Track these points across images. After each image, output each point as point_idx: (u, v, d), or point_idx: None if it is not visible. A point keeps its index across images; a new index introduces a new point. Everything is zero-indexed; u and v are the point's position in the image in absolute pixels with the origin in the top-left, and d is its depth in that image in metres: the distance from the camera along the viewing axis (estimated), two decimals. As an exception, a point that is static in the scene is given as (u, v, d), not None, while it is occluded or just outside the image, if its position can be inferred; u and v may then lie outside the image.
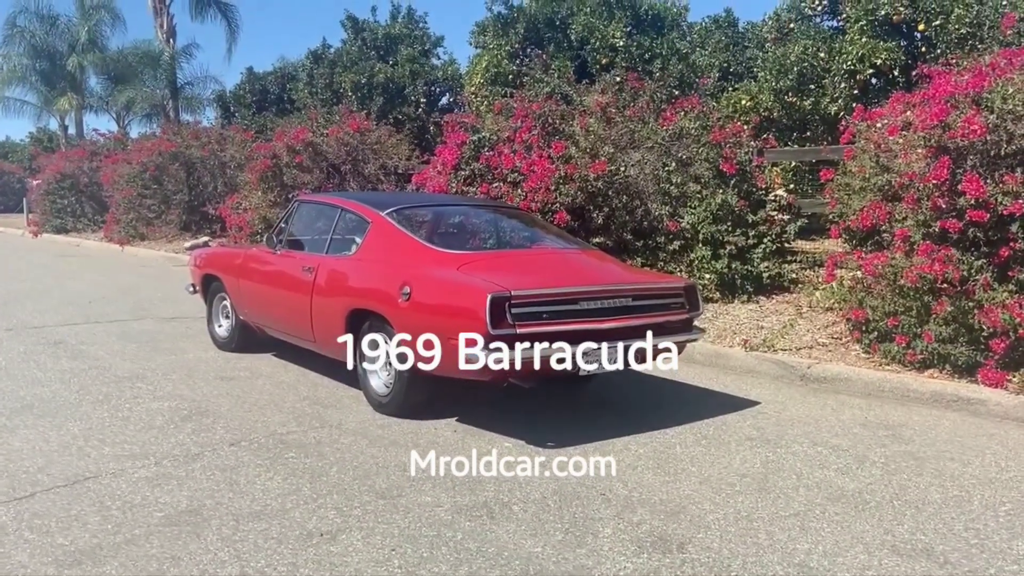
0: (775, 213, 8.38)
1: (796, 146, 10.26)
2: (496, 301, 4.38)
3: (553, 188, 8.50)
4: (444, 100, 16.81)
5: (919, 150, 6.15)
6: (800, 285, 8.31)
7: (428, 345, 4.76)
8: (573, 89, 10.10)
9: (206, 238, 16.15)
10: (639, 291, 4.98)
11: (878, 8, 9.39)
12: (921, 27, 9.44)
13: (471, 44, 14.30)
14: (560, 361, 4.59)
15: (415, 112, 15.93)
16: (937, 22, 9.22)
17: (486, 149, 9.51)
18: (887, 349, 6.03)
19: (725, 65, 13.56)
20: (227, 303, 7.13)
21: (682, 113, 8.74)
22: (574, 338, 4.61)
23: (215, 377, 6.24)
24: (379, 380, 5.31)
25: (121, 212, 17.92)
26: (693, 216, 8.35)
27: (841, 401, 5.65)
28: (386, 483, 4.08)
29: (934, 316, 5.76)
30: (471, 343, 4.43)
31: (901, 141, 6.71)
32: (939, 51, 9.09)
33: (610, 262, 5.69)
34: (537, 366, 4.52)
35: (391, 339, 5.08)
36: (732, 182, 8.38)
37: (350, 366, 5.40)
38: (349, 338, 5.25)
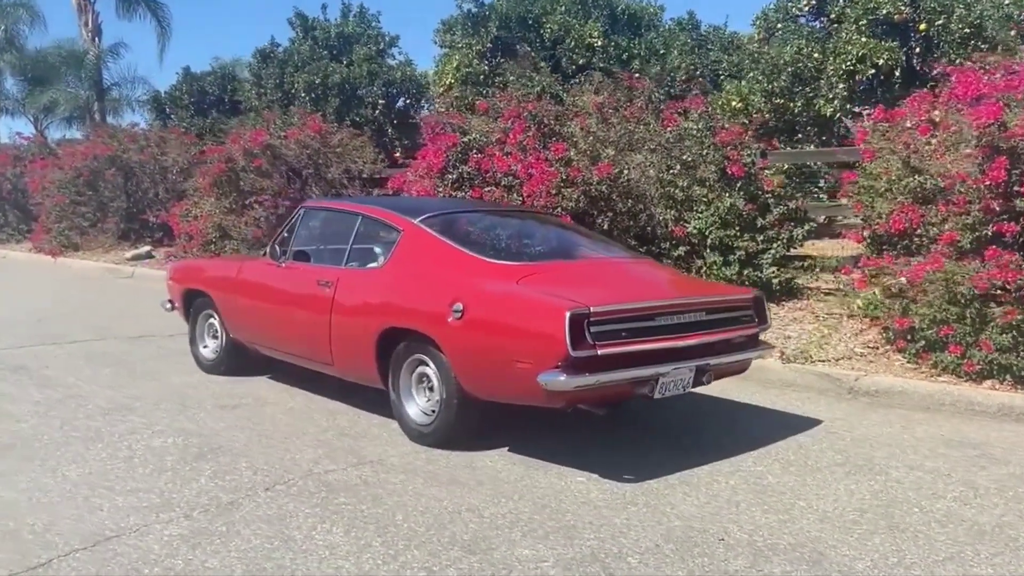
0: (783, 217, 8.05)
1: (787, 148, 10.03)
2: (575, 319, 3.90)
3: (555, 192, 8.04)
4: (401, 102, 16.16)
5: (967, 150, 5.88)
6: (810, 292, 8.02)
7: (486, 368, 4.27)
8: (564, 89, 9.64)
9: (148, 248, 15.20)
10: (713, 304, 4.55)
11: (879, 7, 9.20)
12: (922, 27, 9.30)
13: (436, 43, 13.77)
14: (641, 384, 4.14)
15: (372, 114, 15.27)
16: (940, 21, 9.08)
17: (474, 151, 9.00)
18: (939, 359, 5.74)
19: (692, 68, 13.32)
20: (215, 321, 6.46)
21: (684, 114, 8.36)
22: (653, 358, 4.16)
23: (214, 406, 5.59)
24: (417, 408, 4.77)
25: (52, 221, 16.76)
26: (700, 221, 7.99)
27: (903, 416, 5.32)
28: (467, 532, 3.55)
29: (992, 324, 5.49)
30: (546, 366, 3.93)
31: (934, 142, 6.44)
32: (940, 51, 8.94)
33: (669, 271, 5.27)
34: (617, 390, 4.07)
35: (435, 362, 4.55)
36: (738, 185, 8.04)
37: (392, 395, 4.86)
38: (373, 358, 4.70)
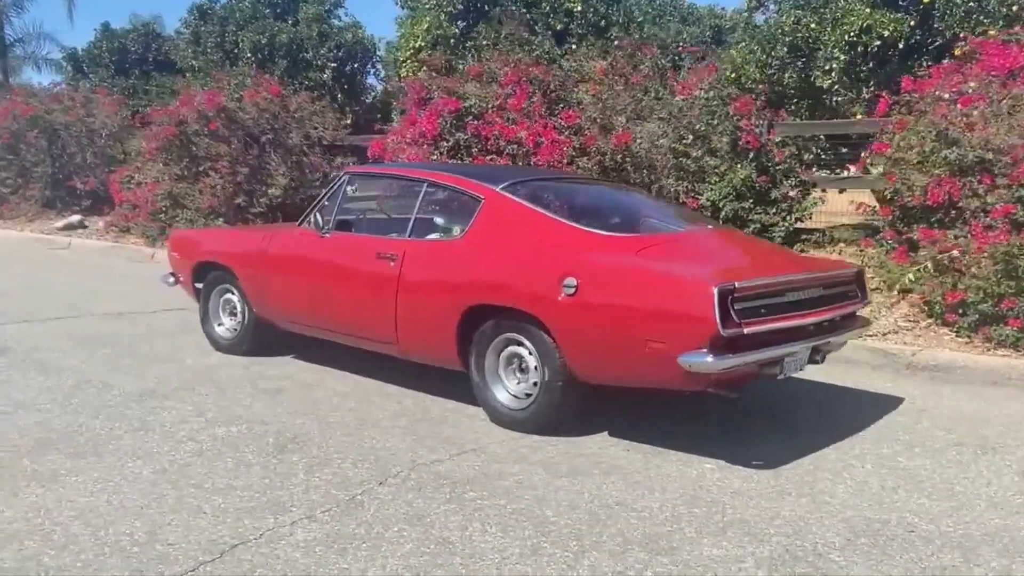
0: (795, 189, 7.97)
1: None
2: (723, 295, 3.63)
3: (568, 162, 7.74)
4: (352, 67, 15.46)
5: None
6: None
7: (605, 349, 3.97)
8: (567, 55, 9.29)
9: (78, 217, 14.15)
10: (831, 279, 4.35)
11: (884, -23, 9.18)
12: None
13: (399, 5, 13.13)
14: (772, 364, 3.92)
15: (323, 77, 14.55)
16: (944, -6, 9.11)
17: (470, 118, 8.59)
18: (998, 333, 5.72)
19: (681, 38, 13.16)
20: (233, 297, 5.93)
21: (697, 81, 8.15)
22: (784, 336, 3.95)
23: (255, 390, 5.12)
24: (506, 391, 4.44)
25: (-34, 187, 15.43)
26: (714, 192, 7.83)
27: (976, 392, 5.28)
28: (634, 530, 3.26)
29: (1054, 298, 5.50)
30: (688, 347, 3.65)
31: (975, 114, 6.42)
32: (945, 24, 8.97)
33: (767, 243, 5.04)
34: (750, 371, 3.84)
35: (534, 342, 4.22)
36: (751, 156, 7.90)
37: (475, 377, 4.51)
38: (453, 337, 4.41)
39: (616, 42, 9.44)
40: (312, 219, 5.23)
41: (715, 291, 3.60)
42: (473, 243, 4.54)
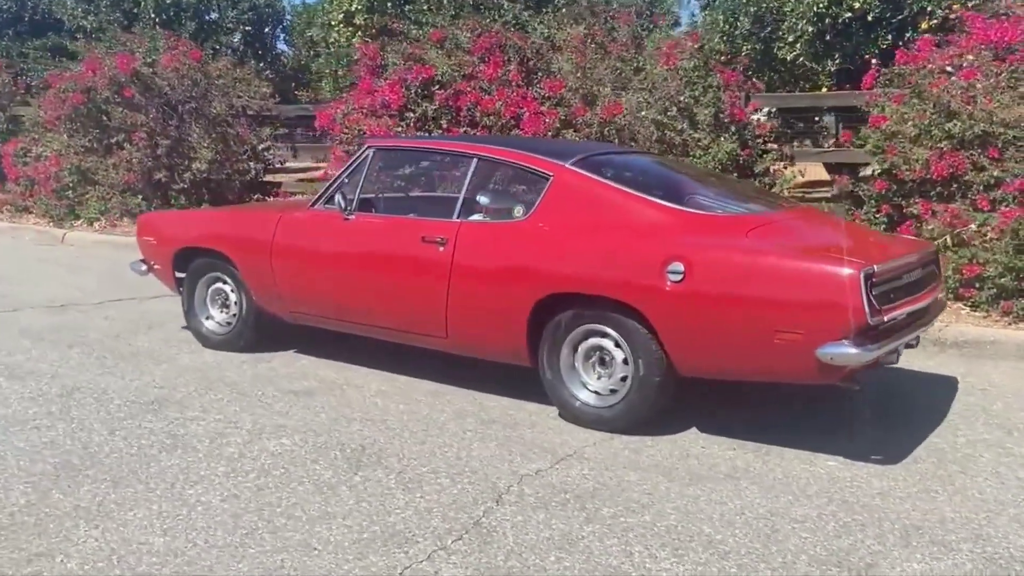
0: (777, 163, 7.84)
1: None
2: (866, 281, 3.37)
3: (553, 135, 7.35)
4: (263, 30, 14.46)
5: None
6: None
7: (720, 341, 3.66)
8: (542, 21, 8.83)
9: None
10: (927, 259, 4.16)
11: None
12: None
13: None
14: (893, 351, 3.70)
15: (233, 41, 13.53)
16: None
17: (436, 87, 8.08)
18: (1021, 307, 5.74)
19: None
20: (226, 287, 5.30)
21: (679, 52, 7.88)
22: (910, 321, 3.75)
23: (280, 392, 4.57)
24: (587, 388, 4.06)
25: None
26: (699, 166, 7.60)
27: (1019, 368, 5.25)
28: (814, 546, 2.97)
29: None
30: (828, 338, 3.38)
31: (979, 87, 6.41)
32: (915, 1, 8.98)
33: (846, 222, 4.81)
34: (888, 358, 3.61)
35: (624, 333, 3.86)
36: (733, 129, 7.72)
37: (547, 373, 4.11)
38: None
39: (591, 8, 9.05)
40: (335, 199, 4.65)
41: (862, 277, 3.33)
42: (543, 225, 4.11)
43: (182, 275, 5.47)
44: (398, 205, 4.88)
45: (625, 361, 3.92)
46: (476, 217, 4.35)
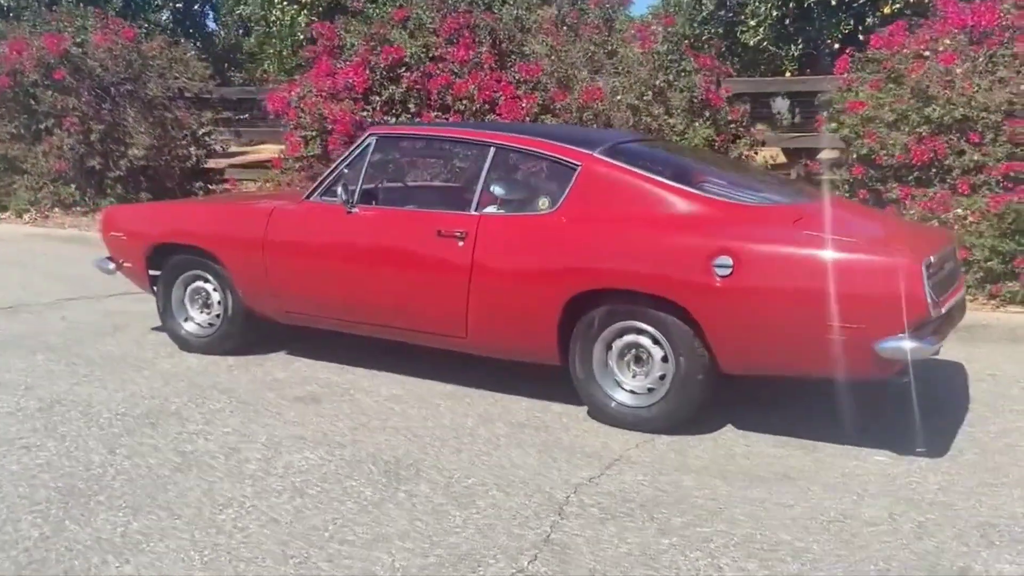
0: (750, 149, 7.79)
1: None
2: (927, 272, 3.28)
3: (531, 121, 7.14)
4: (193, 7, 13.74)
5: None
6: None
7: (771, 336, 3.54)
8: (511, 1, 8.55)
9: None
10: (955, 250, 4.11)
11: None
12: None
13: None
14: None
15: (161, 19, 12.82)
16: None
17: (403, 69, 7.78)
18: (1009, 291, 5.81)
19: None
20: (207, 286, 4.95)
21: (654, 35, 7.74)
22: (957, 310, 3.69)
23: (282, 399, 4.27)
24: (624, 389, 3.89)
25: None
26: (675, 152, 7.50)
27: (1016, 351, 5.30)
28: (909, 549, 2.86)
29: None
30: (888, 331, 3.28)
31: (959, 71, 6.45)
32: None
33: (874, 209, 4.73)
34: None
35: (664, 329, 3.70)
36: (707, 114, 7.65)
37: (579, 373, 3.93)
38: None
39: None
40: (337, 192, 4.36)
41: (924, 267, 3.24)
42: (572, 217, 3.91)
43: (156, 273, 5.08)
44: (405, 197, 4.62)
45: (664, 359, 3.76)
46: (493, 210, 4.11)
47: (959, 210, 6.04)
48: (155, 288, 5.11)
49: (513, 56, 7.62)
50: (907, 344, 3.26)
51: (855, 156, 7.07)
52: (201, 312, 5.01)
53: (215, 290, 4.91)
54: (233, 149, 11.66)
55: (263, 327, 4.96)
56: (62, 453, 3.56)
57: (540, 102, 7.14)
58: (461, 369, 4.49)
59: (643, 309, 3.74)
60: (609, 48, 7.71)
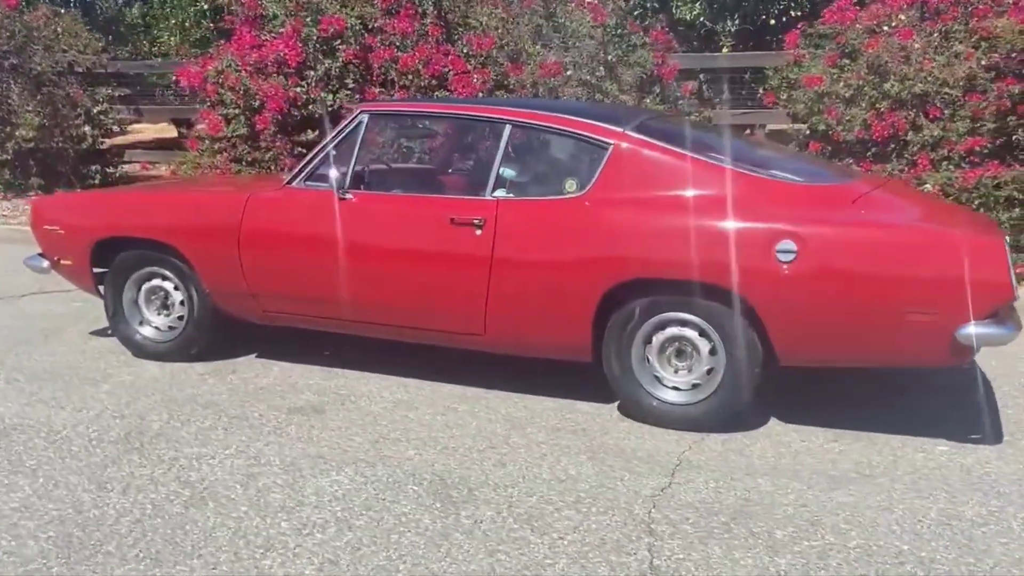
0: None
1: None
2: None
3: (486, 96, 6.75)
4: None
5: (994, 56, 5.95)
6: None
7: (841, 325, 3.31)
8: None
9: None
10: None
11: None
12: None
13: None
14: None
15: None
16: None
17: (339, 42, 7.23)
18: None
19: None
20: (166, 285, 4.38)
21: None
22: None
23: (281, 412, 3.80)
24: (665, 386, 3.61)
25: None
26: (627, 129, 7.26)
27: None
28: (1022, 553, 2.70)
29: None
30: (971, 317, 3.11)
31: (918, 46, 6.44)
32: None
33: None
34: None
35: (715, 322, 3.44)
36: (657, 90, 7.44)
37: (615, 370, 3.62)
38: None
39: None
40: (328, 176, 3.88)
41: (1007, 247, 3.08)
42: (605, 201, 3.58)
43: (101, 271, 4.47)
44: (406, 182, 4.17)
45: (712, 352, 3.49)
46: (511, 194, 3.73)
47: (928, 185, 6.03)
48: (100, 288, 4.48)
49: (459, 28, 7.18)
50: (992, 330, 3.09)
51: (808, 132, 7.02)
52: (159, 315, 4.43)
53: (176, 289, 4.34)
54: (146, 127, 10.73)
55: (230, 328, 4.42)
56: (40, 493, 3.00)
57: (494, 76, 6.73)
58: (460, 368, 4.12)
59: (691, 300, 3.45)
60: (557, 21, 7.36)
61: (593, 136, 3.67)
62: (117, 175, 9.74)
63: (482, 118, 4.00)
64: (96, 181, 9.37)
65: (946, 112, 6.25)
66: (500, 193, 3.72)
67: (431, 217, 3.77)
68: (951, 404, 3.90)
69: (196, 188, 5.04)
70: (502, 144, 3.76)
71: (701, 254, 3.38)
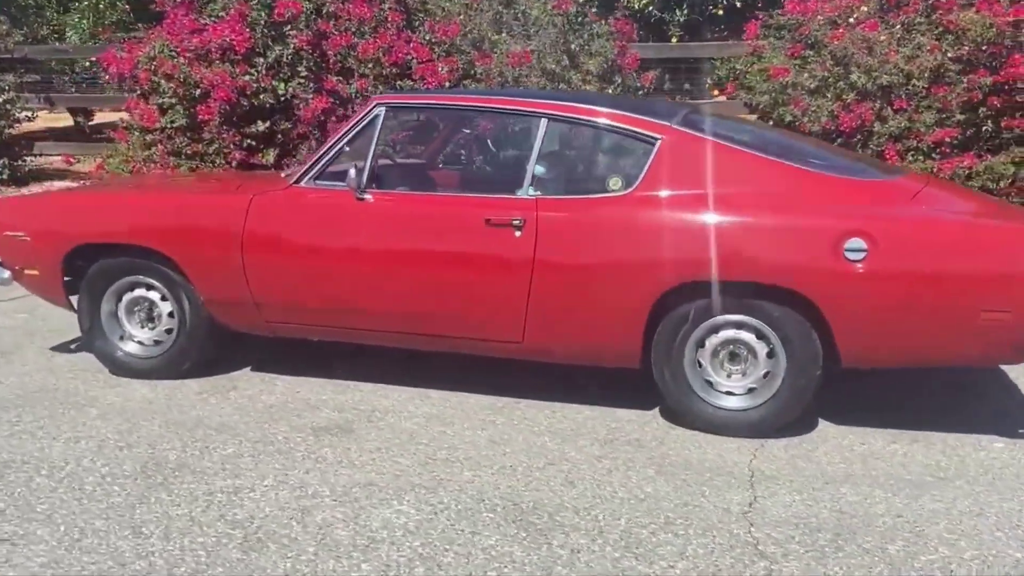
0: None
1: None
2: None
3: (451, 87, 6.48)
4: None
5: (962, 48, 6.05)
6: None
7: (913, 325, 3.22)
8: None
9: None
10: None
11: None
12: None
13: None
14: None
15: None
16: None
17: (288, 27, 6.82)
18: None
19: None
20: (151, 295, 3.97)
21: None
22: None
23: (299, 432, 3.47)
24: (717, 391, 3.46)
25: None
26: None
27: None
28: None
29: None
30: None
31: (884, 39, 6.51)
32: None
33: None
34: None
35: (780, 325, 3.31)
36: (619, 80, 7.32)
37: (666, 376, 3.46)
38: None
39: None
40: (348, 174, 3.56)
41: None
42: (655, 200, 3.40)
43: (72, 280, 4.02)
44: (427, 180, 3.88)
45: (769, 355, 3.36)
46: (547, 193, 3.51)
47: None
48: (72, 301, 4.04)
49: (420, 15, 6.85)
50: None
51: (771, 124, 7.01)
52: (143, 328, 4.01)
53: (164, 299, 3.94)
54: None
55: (223, 340, 4.05)
56: (67, 544, 2.62)
57: (462, 65, 6.46)
58: (476, 376, 3.89)
59: (750, 301, 3.31)
60: (517, 8, 7.13)
61: (639, 130, 3.47)
62: (27, 169, 8.97)
63: (514, 111, 3.74)
64: (4, 176, 8.62)
65: (911, 104, 6.32)
66: (535, 192, 3.49)
67: (463, 218, 3.51)
68: (983, 399, 3.89)
69: (186, 188, 4.59)
70: (538, 139, 3.52)
71: (762, 254, 3.25)
